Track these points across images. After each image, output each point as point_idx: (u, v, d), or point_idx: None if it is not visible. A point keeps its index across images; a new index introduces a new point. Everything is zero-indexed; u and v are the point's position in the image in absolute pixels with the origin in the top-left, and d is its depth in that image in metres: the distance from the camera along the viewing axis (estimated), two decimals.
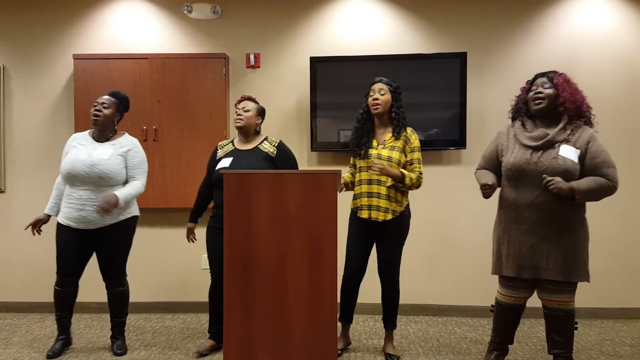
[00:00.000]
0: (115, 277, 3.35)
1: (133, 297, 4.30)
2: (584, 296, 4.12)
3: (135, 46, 4.33)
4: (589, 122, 2.77)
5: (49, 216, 3.35)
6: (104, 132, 3.31)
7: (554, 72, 2.80)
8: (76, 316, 3.96)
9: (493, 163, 2.93)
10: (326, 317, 2.63)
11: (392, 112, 3.18)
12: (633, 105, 4.16)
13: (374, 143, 3.18)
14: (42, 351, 3.42)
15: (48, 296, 4.31)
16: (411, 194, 4.16)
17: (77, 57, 4.20)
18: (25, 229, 3.32)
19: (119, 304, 3.41)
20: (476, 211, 4.06)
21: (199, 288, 4.19)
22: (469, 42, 4.19)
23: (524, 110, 2.84)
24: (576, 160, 2.65)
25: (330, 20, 4.29)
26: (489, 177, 2.84)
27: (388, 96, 3.16)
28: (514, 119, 2.93)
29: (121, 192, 3.18)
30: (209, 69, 4.16)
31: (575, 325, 2.81)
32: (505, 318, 2.91)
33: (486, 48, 4.20)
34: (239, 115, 3.31)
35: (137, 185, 3.28)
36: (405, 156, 3.14)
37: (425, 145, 4.16)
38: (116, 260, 3.33)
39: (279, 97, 4.30)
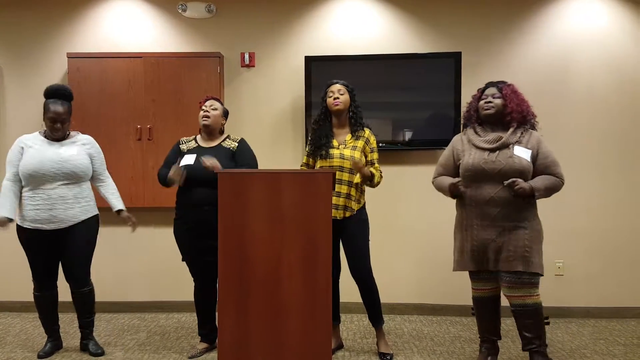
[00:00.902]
0: (81, 276, 3.28)
1: (127, 297, 4.31)
2: (578, 295, 4.18)
3: (129, 45, 4.31)
4: (533, 127, 2.99)
5: (9, 220, 3.12)
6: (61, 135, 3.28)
7: (503, 82, 3.01)
8: (69, 316, 3.94)
9: (450, 168, 3.07)
10: (321, 317, 2.62)
11: (350, 112, 3.26)
12: (626, 104, 4.17)
13: (334, 143, 3.22)
14: (36, 351, 3.41)
15: None
16: (407, 192, 4.19)
17: (71, 56, 4.18)
18: None
19: (87, 304, 3.35)
20: None
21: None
22: (464, 41, 4.19)
23: (475, 117, 3.03)
24: (529, 159, 2.86)
25: (325, 20, 4.29)
26: (451, 179, 3.01)
27: (347, 96, 3.25)
28: (465, 125, 3.11)
29: (121, 203, 3.37)
30: (203, 68, 4.15)
31: (547, 320, 2.92)
32: (483, 312, 3.04)
33: (481, 48, 4.21)
34: (206, 112, 3.29)
35: (114, 185, 3.41)
36: (366, 156, 3.23)
37: (420, 145, 4.19)
38: (84, 259, 3.28)
39: (273, 96, 4.29)
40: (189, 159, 3.21)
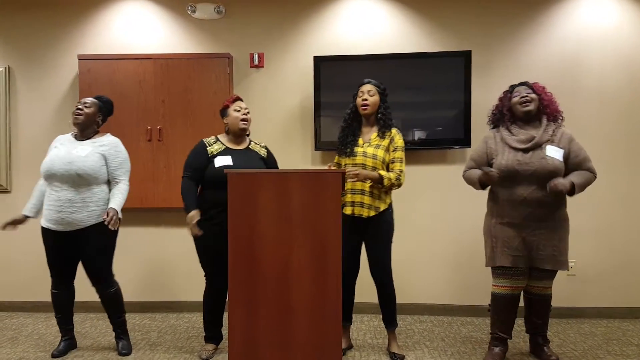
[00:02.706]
0: (102, 279, 3.29)
1: (138, 297, 4.33)
2: (590, 295, 4.14)
3: (139, 46, 4.34)
4: (560, 124, 3.09)
5: (26, 217, 3.28)
6: (85, 132, 3.29)
7: (527, 82, 3.11)
8: (82, 315, 3.98)
9: (482, 164, 3.11)
10: (330, 317, 2.62)
11: (379, 113, 3.24)
12: (637, 101, 4.13)
13: (360, 141, 3.22)
14: (48, 350, 3.43)
15: None
16: (418, 192, 4.17)
17: (81, 58, 4.21)
18: (2, 228, 3.27)
19: (113, 305, 3.37)
20: (481, 210, 4.04)
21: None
22: (474, 40, 4.17)
23: (508, 116, 3.07)
24: (561, 159, 2.93)
25: (334, 20, 4.29)
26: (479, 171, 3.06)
27: (376, 97, 3.22)
28: (495, 126, 3.16)
29: (115, 203, 3.18)
30: (212, 69, 4.16)
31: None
32: (503, 309, 3.06)
33: (491, 46, 4.19)
34: (245, 116, 3.27)
35: (123, 189, 3.27)
36: (389, 155, 3.21)
37: (430, 144, 4.17)
38: (100, 262, 3.26)
39: (282, 97, 4.30)
40: (225, 160, 3.16)
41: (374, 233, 3.20)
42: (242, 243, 2.64)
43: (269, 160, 3.38)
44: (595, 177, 3.01)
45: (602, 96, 4.14)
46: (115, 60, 4.19)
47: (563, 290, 4.07)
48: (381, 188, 3.14)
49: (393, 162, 3.19)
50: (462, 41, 4.18)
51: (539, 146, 2.92)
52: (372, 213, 3.15)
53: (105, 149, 3.25)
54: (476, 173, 3.06)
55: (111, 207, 3.15)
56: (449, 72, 4.10)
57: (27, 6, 4.37)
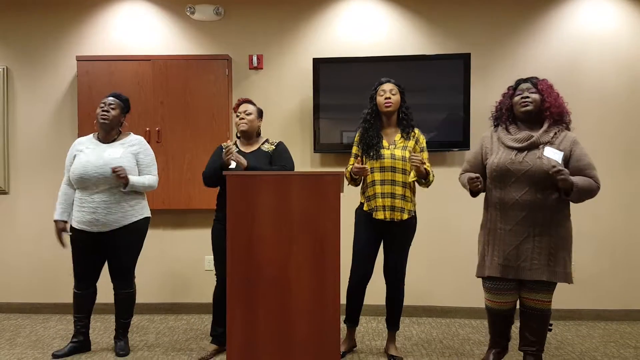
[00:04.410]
0: (125, 279, 3.35)
1: (137, 298, 4.31)
2: (588, 298, 4.14)
3: (138, 48, 4.33)
4: (568, 127, 2.85)
5: (64, 222, 3.31)
6: (110, 133, 3.32)
7: (536, 77, 2.88)
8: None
9: (478, 166, 2.96)
10: (329, 318, 2.62)
11: (400, 113, 3.22)
12: (636, 104, 4.14)
13: (384, 143, 3.17)
14: (46, 352, 3.42)
15: (52, 297, 4.34)
16: (417, 195, 4.17)
17: (80, 59, 4.21)
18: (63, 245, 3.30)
19: (126, 305, 3.41)
20: (480, 212, 4.05)
21: (202, 289, 4.19)
22: (473, 43, 4.18)
23: (506, 115, 2.89)
24: (560, 161, 2.69)
25: (333, 22, 4.29)
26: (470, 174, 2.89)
27: (398, 96, 3.20)
28: (496, 125, 2.97)
29: (135, 178, 3.22)
30: (211, 71, 4.16)
31: (550, 327, 2.88)
32: (496, 322, 2.95)
33: (490, 49, 4.20)
34: (242, 119, 3.29)
35: (150, 178, 3.33)
36: None
37: (429, 147, 4.14)
38: (128, 262, 3.34)
39: (281, 99, 4.30)
40: (231, 164, 3.18)
41: (399, 236, 3.20)
42: (241, 244, 2.64)
43: (274, 155, 3.29)
44: (598, 187, 2.72)
45: (602, 99, 4.16)
46: (113, 61, 4.19)
47: (561, 292, 4.06)
48: (423, 183, 3.14)
49: (424, 164, 3.14)
50: (462, 44, 4.19)
51: (536, 146, 2.72)
52: (405, 216, 3.13)
53: (136, 149, 3.32)
54: (467, 177, 2.90)
55: (128, 176, 3.18)
56: (448, 74, 4.11)
57: (25, 7, 4.36)
